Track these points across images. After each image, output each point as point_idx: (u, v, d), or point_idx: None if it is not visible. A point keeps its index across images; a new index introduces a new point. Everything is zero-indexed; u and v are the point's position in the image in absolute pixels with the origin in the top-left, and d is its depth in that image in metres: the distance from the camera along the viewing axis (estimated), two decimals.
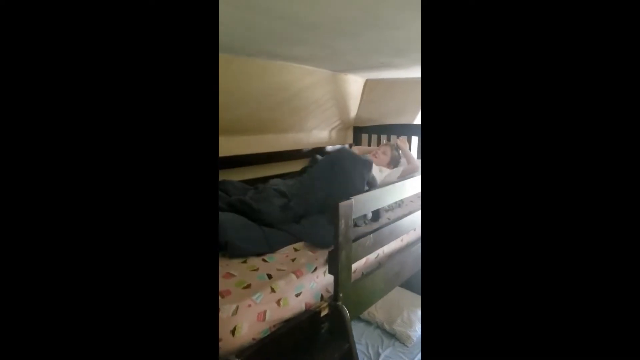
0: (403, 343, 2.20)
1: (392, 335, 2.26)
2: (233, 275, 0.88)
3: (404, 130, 2.51)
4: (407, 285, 2.60)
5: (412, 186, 1.33)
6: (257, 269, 0.93)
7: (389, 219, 1.41)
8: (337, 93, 2.29)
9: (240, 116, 1.91)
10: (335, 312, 0.93)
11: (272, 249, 1.06)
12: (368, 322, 2.38)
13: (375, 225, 1.32)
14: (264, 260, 0.99)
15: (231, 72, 1.59)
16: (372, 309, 2.40)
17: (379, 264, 1.22)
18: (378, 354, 2.11)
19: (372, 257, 1.19)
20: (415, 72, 2.02)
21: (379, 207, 1.20)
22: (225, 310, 0.74)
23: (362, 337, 2.23)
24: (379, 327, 2.35)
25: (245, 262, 0.97)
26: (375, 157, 2.09)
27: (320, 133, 2.65)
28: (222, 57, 1.49)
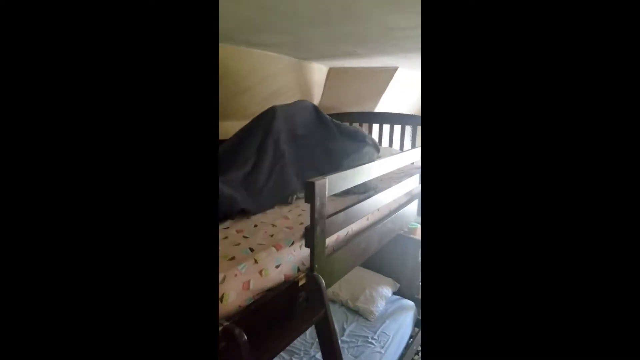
0: (366, 318, 2.35)
1: (356, 312, 2.40)
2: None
3: (365, 117, 2.62)
4: (368, 265, 2.76)
5: (380, 168, 1.44)
6: (239, 244, 0.98)
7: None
8: (301, 80, 2.35)
9: None
10: (312, 281, 1.02)
11: (258, 210, 1.19)
12: (333, 301, 2.50)
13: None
14: (244, 237, 1.05)
15: None
16: (336, 288, 2.53)
17: (348, 241, 1.32)
18: (343, 329, 2.24)
19: (342, 234, 1.28)
20: (376, 61, 2.12)
21: (351, 186, 1.29)
22: None
23: None
24: (343, 305, 2.48)
25: (226, 237, 1.02)
26: None
27: None
28: None
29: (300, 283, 1.02)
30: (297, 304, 1.01)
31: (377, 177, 1.53)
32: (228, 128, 2.18)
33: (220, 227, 1.14)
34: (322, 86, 2.60)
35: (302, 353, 2.02)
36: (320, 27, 1.28)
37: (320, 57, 2.07)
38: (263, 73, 2.01)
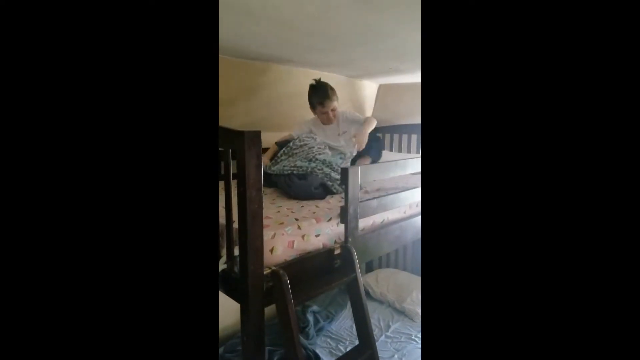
0: (411, 319, 2.45)
1: (402, 312, 2.52)
2: (270, 218, 1.20)
3: (415, 129, 2.80)
4: (416, 270, 2.86)
5: (412, 166, 1.62)
6: (287, 216, 1.25)
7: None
8: (353, 96, 2.61)
9: (273, 114, 2.27)
10: (346, 251, 1.23)
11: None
12: (380, 302, 2.65)
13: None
14: (292, 212, 1.31)
15: (267, 76, 1.95)
16: (384, 290, 2.66)
17: (383, 227, 1.51)
18: (388, 326, 2.37)
19: (377, 220, 1.48)
20: (420, 77, 2.32)
21: (381, 178, 1.49)
22: (266, 235, 1.05)
23: (374, 313, 2.49)
24: (390, 305, 2.61)
25: (278, 212, 1.30)
26: None
27: None
28: (257, 64, 1.85)
29: (336, 252, 1.24)
30: (333, 267, 1.23)
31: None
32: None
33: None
34: (373, 101, 2.84)
35: (347, 342, 2.19)
36: (360, 47, 1.53)
37: (367, 74, 2.32)
38: None
